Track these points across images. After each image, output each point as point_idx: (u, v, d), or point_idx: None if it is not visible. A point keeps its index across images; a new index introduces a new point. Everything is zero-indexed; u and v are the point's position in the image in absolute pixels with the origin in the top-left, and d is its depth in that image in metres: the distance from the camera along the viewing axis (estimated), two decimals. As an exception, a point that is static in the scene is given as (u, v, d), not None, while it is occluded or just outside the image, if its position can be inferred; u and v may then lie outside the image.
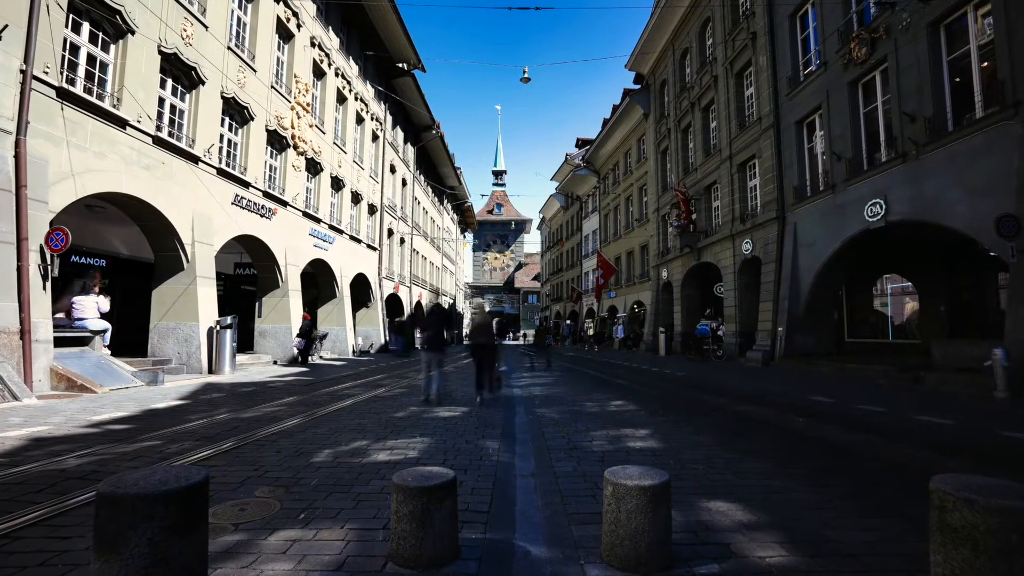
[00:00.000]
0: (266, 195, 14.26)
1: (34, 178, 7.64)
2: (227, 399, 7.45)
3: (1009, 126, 8.51)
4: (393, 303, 27.21)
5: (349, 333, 19.55)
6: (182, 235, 10.95)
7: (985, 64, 9.32)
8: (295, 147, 15.77)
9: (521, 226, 67.76)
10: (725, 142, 17.96)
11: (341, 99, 19.58)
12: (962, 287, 13.50)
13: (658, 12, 21.49)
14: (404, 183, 28.64)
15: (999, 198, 8.56)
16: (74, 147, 8.40)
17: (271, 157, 15.04)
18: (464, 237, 54.89)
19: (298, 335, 14.72)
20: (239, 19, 13.45)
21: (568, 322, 42.75)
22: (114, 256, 13.45)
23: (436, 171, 36.35)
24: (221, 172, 12.28)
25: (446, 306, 15.56)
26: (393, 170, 26.37)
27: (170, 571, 1.55)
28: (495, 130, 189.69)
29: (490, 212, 66.24)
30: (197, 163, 11.42)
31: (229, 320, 11.52)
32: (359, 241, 21.47)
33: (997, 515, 1.53)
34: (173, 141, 10.64)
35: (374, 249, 23.41)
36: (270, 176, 14.95)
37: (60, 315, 9.01)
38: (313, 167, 17.28)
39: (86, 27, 8.95)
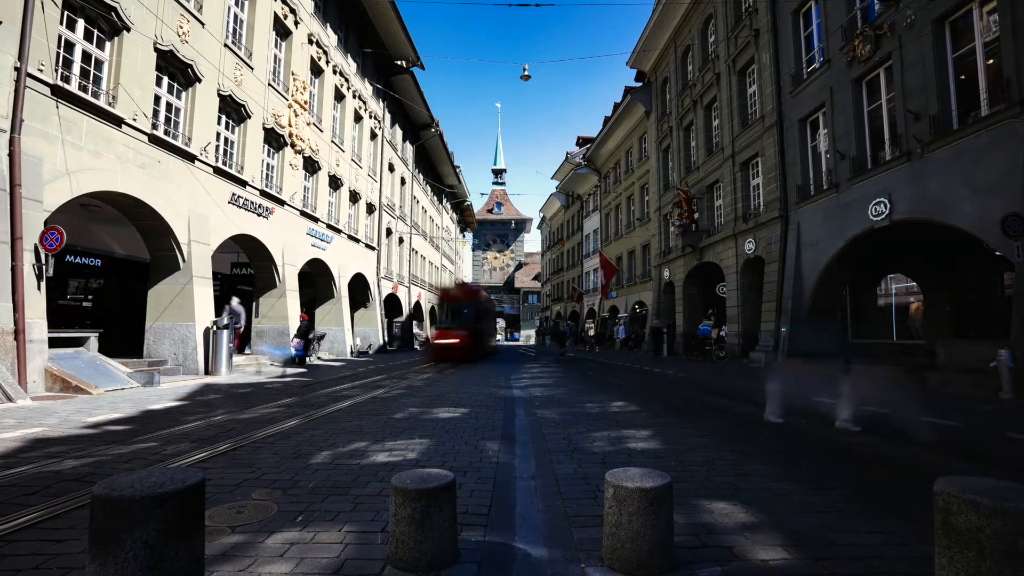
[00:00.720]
0: (263, 194, 14.26)
1: (28, 177, 7.64)
2: (224, 400, 7.45)
3: (1015, 124, 8.50)
4: (392, 303, 27.21)
5: (347, 333, 19.55)
6: (178, 234, 10.95)
7: (991, 61, 9.32)
8: (292, 145, 15.77)
9: (521, 225, 67.73)
10: (727, 140, 17.95)
11: (339, 97, 19.58)
12: (967, 287, 13.49)
13: (660, 9, 21.49)
14: (403, 182, 28.64)
15: (1005, 197, 8.56)
16: (69, 145, 8.40)
17: (268, 156, 15.04)
18: (463, 236, 54.88)
19: (296, 335, 14.72)
20: (236, 16, 13.45)
21: (569, 322, 42.77)
22: (109, 256, 13.46)
23: (435, 170, 36.35)
24: (218, 171, 12.28)
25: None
26: (392, 169, 26.37)
27: (166, 574, 1.55)
28: (495, 128, 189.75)
29: (490, 211, 66.22)
30: (193, 162, 11.42)
31: (226, 320, 11.52)
32: (357, 240, 21.48)
33: (1003, 518, 1.52)
34: (169, 139, 10.64)
35: (372, 248, 23.41)
36: (267, 175, 14.95)
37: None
38: (311, 166, 17.28)
39: (81, 24, 8.95)
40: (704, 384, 10.21)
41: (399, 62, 22.93)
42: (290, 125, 15.55)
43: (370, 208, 23.24)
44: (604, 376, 12.39)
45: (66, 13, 8.62)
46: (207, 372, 11.12)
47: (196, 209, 11.49)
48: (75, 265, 12.20)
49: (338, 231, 19.39)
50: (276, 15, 14.85)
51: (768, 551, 2.36)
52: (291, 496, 3.12)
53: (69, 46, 8.78)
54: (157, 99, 10.65)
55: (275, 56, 15.27)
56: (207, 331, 11.30)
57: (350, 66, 20.15)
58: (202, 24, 11.58)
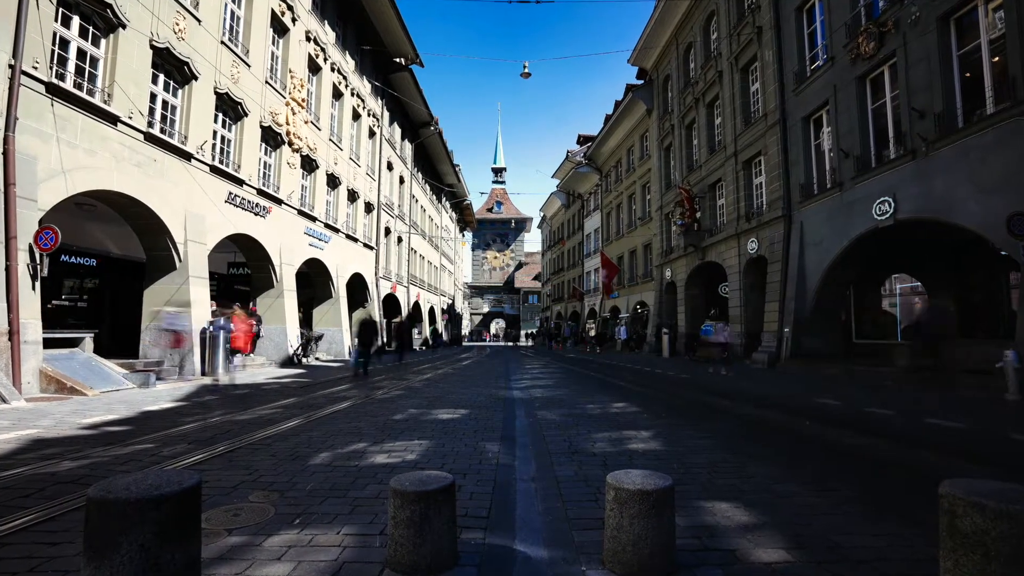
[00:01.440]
0: (260, 193, 14.26)
1: (23, 175, 7.64)
2: (221, 401, 7.45)
3: (1021, 122, 8.50)
4: (390, 303, 27.22)
5: (345, 334, 19.54)
6: (174, 234, 10.95)
7: (996, 59, 9.32)
8: (290, 144, 15.77)
9: (521, 225, 67.76)
10: (730, 139, 17.96)
11: (337, 95, 19.58)
12: (973, 287, 13.49)
13: (662, 6, 21.49)
14: (402, 181, 28.64)
15: (1010, 196, 8.56)
16: (64, 144, 8.40)
17: (265, 154, 15.04)
18: (463, 236, 54.89)
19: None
20: (232, 13, 13.45)
21: (570, 323, 42.77)
22: (105, 256, 13.46)
23: (434, 168, 36.36)
24: (214, 169, 12.28)
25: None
26: (390, 167, 26.38)
27: (162, 578, 1.55)
28: (495, 126, 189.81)
29: (489, 210, 66.24)
30: (190, 160, 11.42)
31: (223, 321, 11.51)
32: (355, 240, 21.47)
33: (1008, 520, 1.52)
34: (165, 138, 10.64)
35: (371, 248, 23.41)
36: (264, 173, 14.95)
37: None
38: (308, 164, 17.28)
39: (76, 21, 8.95)
40: (706, 385, 10.21)
41: (398, 60, 22.93)
42: (287, 123, 15.55)
43: (368, 207, 23.24)
44: (605, 377, 12.39)
45: (61, 10, 8.63)
46: (204, 373, 11.11)
47: (192, 208, 11.49)
48: (70, 265, 12.20)
49: (336, 230, 19.39)
50: (273, 12, 14.85)
51: (771, 554, 2.36)
52: (289, 498, 3.12)
53: (64, 43, 8.78)
54: (153, 97, 10.65)
55: (272, 53, 15.27)
56: (204, 332, 11.30)
57: (348, 64, 20.15)
58: (198, 21, 11.58)
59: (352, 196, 21.28)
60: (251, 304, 15.31)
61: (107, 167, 9.26)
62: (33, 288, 7.85)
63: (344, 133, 20.13)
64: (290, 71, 15.79)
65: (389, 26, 20.79)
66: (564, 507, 3.01)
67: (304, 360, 15.98)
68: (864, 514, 2.87)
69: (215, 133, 12.67)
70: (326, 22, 18.13)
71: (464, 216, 50.98)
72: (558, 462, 4.06)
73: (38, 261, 7.90)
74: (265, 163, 15.03)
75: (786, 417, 6.30)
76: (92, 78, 9.29)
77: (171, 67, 11.09)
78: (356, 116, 21.55)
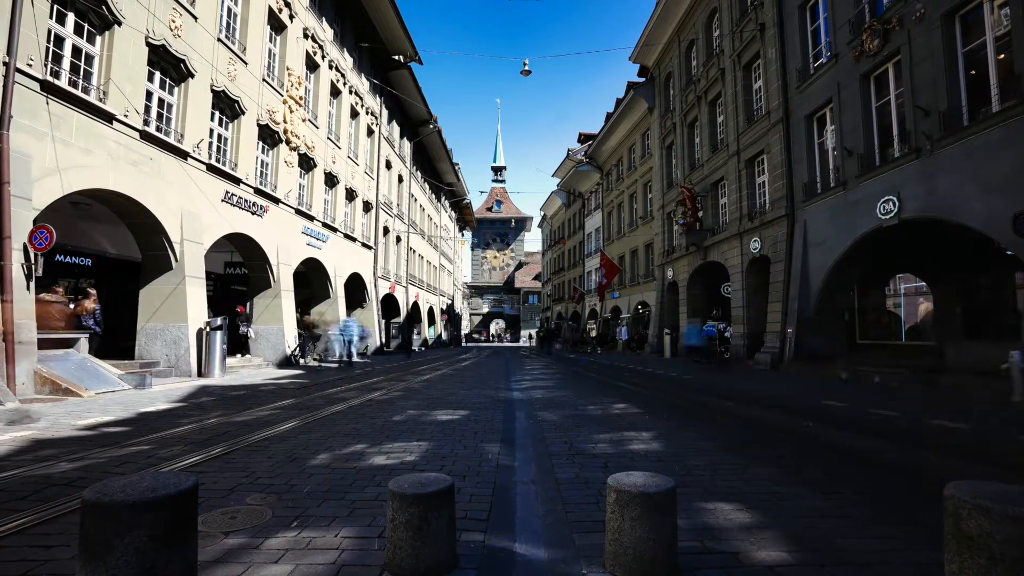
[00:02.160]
0: (257, 192, 14.26)
1: (17, 174, 7.64)
2: (217, 403, 7.45)
3: (1026, 120, 8.50)
4: (389, 303, 27.22)
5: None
6: (170, 233, 10.95)
7: (1002, 56, 9.32)
8: (287, 142, 15.77)
9: (521, 224, 67.77)
10: (732, 137, 17.96)
11: (335, 92, 19.58)
12: (978, 287, 13.48)
13: (663, 2, 21.50)
14: (400, 179, 28.65)
15: (1016, 195, 8.56)
16: (59, 142, 8.40)
17: (263, 152, 15.04)
18: (462, 235, 54.91)
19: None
20: (229, 9, 13.45)
21: (570, 323, 42.76)
22: (100, 255, 13.46)
23: (433, 167, 36.36)
24: (211, 168, 12.28)
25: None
26: (389, 166, 26.38)
27: (158, 581, 1.55)
28: (494, 124, 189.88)
29: (489, 209, 66.25)
30: (186, 159, 11.42)
31: (219, 321, 11.52)
32: (354, 239, 21.48)
33: (1014, 523, 1.52)
34: (161, 136, 10.64)
35: (369, 248, 23.41)
36: (262, 172, 14.96)
37: None
38: (306, 163, 17.28)
39: (71, 18, 8.95)
40: (708, 386, 10.21)
41: (396, 57, 22.93)
42: (285, 121, 15.55)
43: (367, 206, 23.24)
44: (606, 378, 12.39)
45: (56, 7, 8.63)
46: (200, 374, 11.12)
47: (189, 207, 11.50)
48: (65, 264, 12.20)
49: (334, 230, 19.40)
50: (271, 9, 14.85)
51: (774, 557, 2.36)
52: (286, 501, 3.12)
53: (59, 40, 8.78)
54: (149, 95, 10.65)
55: (270, 51, 15.28)
56: (200, 332, 11.30)
57: (346, 61, 20.16)
58: (195, 18, 11.59)
59: (350, 195, 21.28)
60: (239, 306, 15.33)
61: (102, 166, 9.26)
62: (28, 288, 7.85)
63: (342, 131, 20.14)
64: (288, 69, 15.79)
65: (388, 23, 20.80)
66: (565, 509, 3.01)
67: (303, 361, 15.98)
68: (868, 517, 2.87)
69: (212, 131, 12.67)
70: (324, 19, 18.13)
71: (463, 215, 51.00)
72: (559, 464, 4.06)
73: (33, 261, 7.90)
74: (262, 162, 15.04)
75: (789, 418, 6.30)
76: (87, 76, 9.29)
77: (167, 65, 11.09)
78: (354, 114, 21.55)
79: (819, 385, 10.15)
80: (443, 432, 5.35)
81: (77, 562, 1.57)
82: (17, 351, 7.42)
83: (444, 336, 40.98)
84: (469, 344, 48.65)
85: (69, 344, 9.37)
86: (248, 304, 15.34)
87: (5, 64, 7.53)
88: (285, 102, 15.60)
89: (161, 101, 11.10)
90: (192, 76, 11.54)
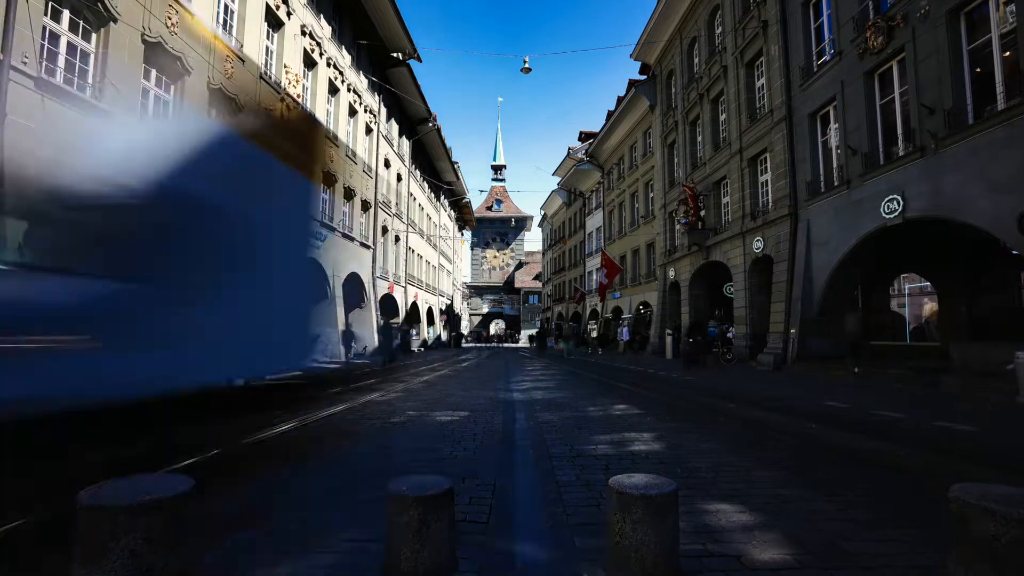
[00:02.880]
0: (255, 191, 14.24)
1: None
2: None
3: (1032, 118, 8.50)
4: (388, 303, 27.21)
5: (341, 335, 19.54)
6: (167, 233, 10.93)
7: (1007, 54, 9.31)
8: (285, 140, 15.75)
9: (521, 223, 67.76)
10: (735, 135, 17.96)
11: (333, 90, 19.58)
12: (983, 287, 13.50)
13: (665, -1, 21.51)
14: (399, 178, 28.65)
15: (1022, 194, 8.56)
16: (54, 140, 8.39)
17: (260, 151, 15.02)
18: (462, 235, 54.92)
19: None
20: (226, 6, 13.45)
21: (571, 323, 42.77)
22: (95, 255, 13.46)
23: (432, 166, 36.36)
24: (207, 167, 12.26)
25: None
26: (388, 165, 26.38)
27: (154, 584, 1.55)
28: (494, 123, 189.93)
29: (489, 208, 66.24)
30: (182, 157, 11.40)
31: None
32: (352, 239, 21.47)
33: (1020, 526, 1.52)
34: (157, 134, 10.63)
35: (368, 247, 23.41)
36: (259, 171, 14.93)
37: None
38: (304, 161, 17.25)
39: (66, 15, 8.95)
40: (710, 387, 10.21)
41: (395, 54, 22.94)
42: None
43: (365, 205, 23.24)
44: (607, 379, 12.39)
45: (50, 3, 8.62)
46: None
47: (185, 206, 11.48)
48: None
49: (332, 229, 19.39)
50: (268, 5, 14.85)
51: (777, 560, 2.36)
52: (284, 503, 3.12)
53: (54, 38, 8.78)
54: (145, 92, 10.64)
55: (267, 48, 15.27)
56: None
57: (344, 59, 20.16)
58: (191, 15, 11.58)
59: (348, 194, 21.28)
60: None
61: (98, 164, 9.25)
62: (22, 288, 7.84)
63: (340, 130, 20.14)
64: (285, 66, 15.79)
65: (386, 20, 20.80)
66: (565, 512, 3.01)
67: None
68: (871, 519, 2.87)
69: (208, 130, 12.66)
70: (322, 16, 18.13)
71: (463, 214, 51.01)
72: (559, 466, 4.06)
73: (27, 260, 7.88)
74: (259, 160, 15.02)
75: (792, 420, 6.30)
76: (83, 73, 9.29)
77: (163, 62, 11.08)
78: (352, 112, 21.56)
79: (823, 386, 10.15)
80: (442, 433, 5.35)
81: (72, 565, 1.57)
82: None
83: (443, 337, 40.97)
84: (468, 345, 48.64)
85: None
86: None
87: (-1, 61, 7.53)
88: (283, 100, 15.59)
89: (157, 99, 11.09)
90: (189, 74, 11.53)
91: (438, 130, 30.87)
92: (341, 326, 16.18)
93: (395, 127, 27.55)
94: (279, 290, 4.63)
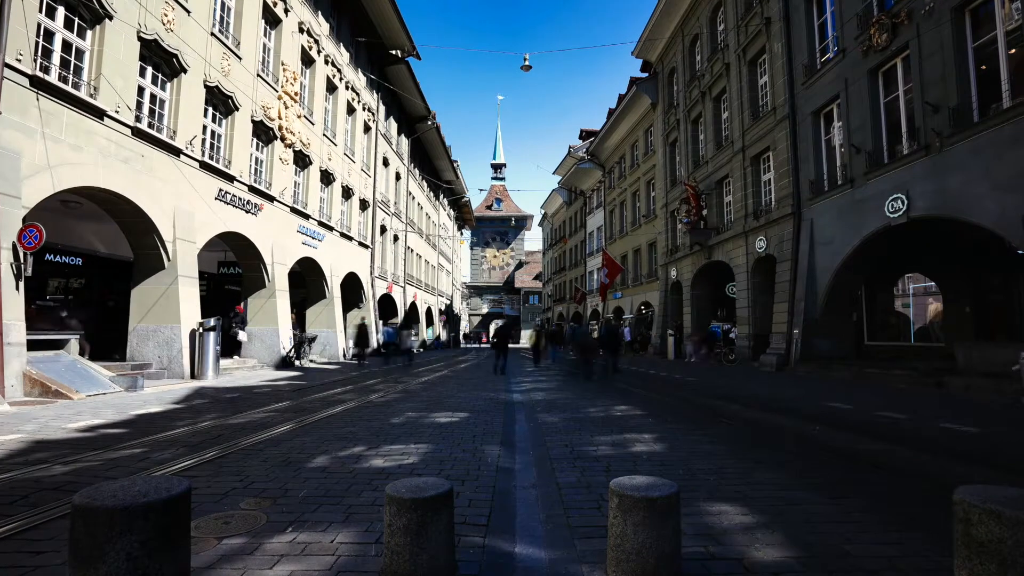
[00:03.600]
0: (252, 190, 14.26)
1: (6, 172, 7.64)
2: (211, 405, 7.45)
3: (1038, 116, 8.50)
4: (386, 303, 27.21)
5: (339, 336, 19.56)
6: (163, 232, 10.95)
7: (1012, 51, 9.32)
8: (282, 139, 15.77)
9: (522, 222, 67.75)
10: (737, 134, 17.96)
11: (331, 88, 19.58)
12: (988, 287, 13.49)
13: (666, -4, 21.50)
14: (398, 177, 28.65)
15: (1027, 193, 8.56)
16: (49, 139, 8.40)
17: (257, 149, 15.04)
18: (461, 234, 54.92)
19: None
20: (223, 3, 13.46)
21: (572, 324, 42.75)
22: (91, 254, 13.44)
23: (432, 164, 36.36)
24: (204, 165, 12.28)
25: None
26: (386, 163, 26.38)
27: (150, 588, 1.55)
28: (494, 121, 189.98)
29: (489, 208, 66.24)
30: (179, 156, 11.42)
31: (212, 322, 11.53)
32: (350, 238, 21.48)
33: (1025, 528, 1.52)
34: (153, 132, 10.64)
35: (366, 247, 23.41)
36: (256, 169, 14.95)
37: None
38: (301, 160, 17.28)
39: (61, 12, 8.95)
40: (713, 388, 10.21)
41: (394, 52, 22.92)
42: (280, 118, 15.55)
43: (363, 204, 23.24)
44: (607, 380, 12.38)
45: (46, 0, 8.63)
46: (193, 376, 11.12)
47: (181, 205, 11.50)
48: (55, 264, 12.19)
49: (330, 228, 19.40)
50: (265, 2, 14.85)
51: (779, 563, 2.36)
52: (281, 506, 3.12)
53: (49, 35, 8.78)
54: (141, 90, 10.65)
55: (264, 45, 15.28)
56: (193, 333, 11.30)
57: (343, 56, 20.16)
58: (188, 12, 11.58)
59: (347, 193, 21.29)
60: (237, 306, 15.38)
61: (93, 163, 9.26)
62: (17, 288, 7.85)
63: (338, 128, 20.14)
64: (282, 64, 15.79)
65: (385, 17, 20.79)
66: (566, 514, 3.01)
67: (299, 362, 15.99)
68: (875, 522, 2.87)
69: (205, 128, 12.67)
70: (320, 13, 18.13)
71: (463, 214, 51.00)
72: (560, 468, 4.06)
73: (22, 260, 7.90)
74: (257, 159, 15.03)
75: (795, 421, 6.30)
76: (78, 71, 9.29)
77: (159, 59, 11.09)
78: (351, 110, 21.56)
79: (826, 387, 10.15)
80: (442, 435, 5.35)
81: (67, 568, 1.57)
82: (6, 352, 7.42)
83: (443, 337, 40.98)
84: (468, 346, 48.63)
85: (59, 345, 9.38)
86: (243, 304, 15.34)
87: (-6, 59, 7.53)
88: (280, 98, 15.60)
89: (153, 97, 11.10)
90: (185, 71, 11.54)
91: (437, 128, 30.86)
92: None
93: (394, 125, 27.56)
94: None
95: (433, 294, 38.82)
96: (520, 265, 66.66)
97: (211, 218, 12.60)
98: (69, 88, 8.74)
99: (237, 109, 13.55)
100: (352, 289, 22.27)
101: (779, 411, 7.13)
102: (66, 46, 9.11)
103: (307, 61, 17.64)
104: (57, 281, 13.29)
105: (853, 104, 12.81)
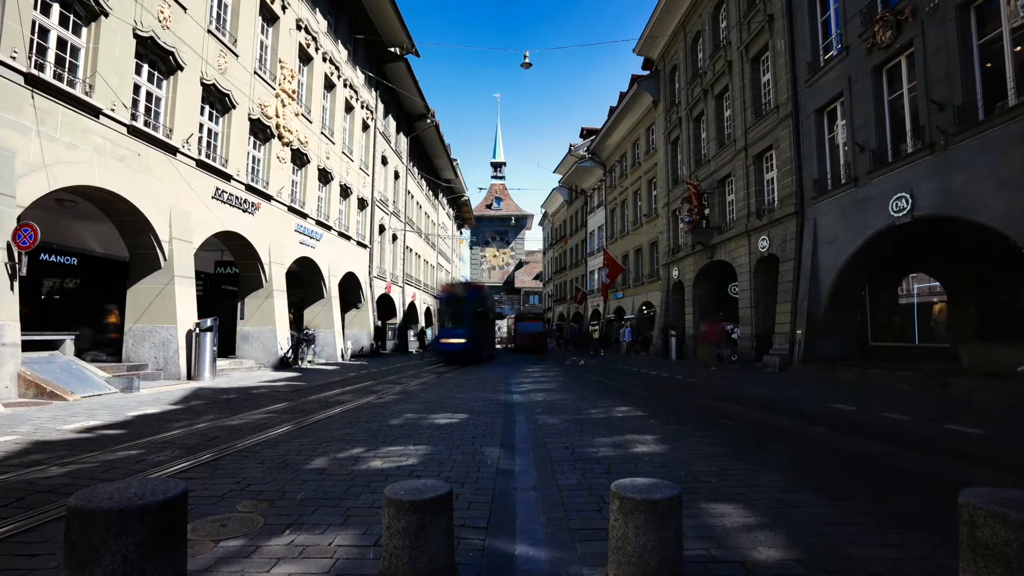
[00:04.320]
0: (249, 189, 14.26)
1: (0, 171, 7.64)
2: (208, 407, 7.45)
3: (1044, 115, 8.49)
4: (385, 304, 27.22)
5: (338, 336, 19.56)
6: (159, 231, 10.95)
7: (1018, 48, 9.31)
8: (280, 137, 15.78)
9: (522, 222, 67.76)
10: (740, 132, 17.96)
11: (329, 86, 19.58)
12: (994, 287, 13.49)
13: (668, -7, 21.50)
14: (397, 176, 28.65)
15: (1033, 192, 8.55)
16: (44, 137, 8.40)
17: (254, 148, 15.04)
18: (461, 234, 54.92)
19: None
20: (220, 0, 13.45)
21: (572, 324, 42.76)
22: (87, 254, 13.45)
23: (431, 163, 36.36)
24: (201, 164, 12.28)
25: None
26: (385, 162, 26.38)
27: (146, 591, 1.55)
28: (494, 119, 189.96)
29: (488, 207, 66.25)
30: (175, 154, 11.42)
31: (209, 322, 11.52)
32: (348, 238, 21.48)
33: (1031, 531, 1.52)
34: (149, 131, 10.64)
35: (364, 246, 23.41)
36: (253, 168, 14.96)
37: None
38: (299, 159, 17.28)
39: (56, 8, 8.95)
40: (715, 390, 10.21)
41: (392, 49, 22.93)
42: (277, 116, 15.55)
43: (362, 203, 23.25)
44: (608, 381, 12.39)
45: (40, -3, 8.64)
46: (190, 377, 11.12)
47: (178, 204, 11.50)
48: (50, 264, 12.19)
49: (328, 228, 19.40)
50: (262, -1, 14.86)
51: (784, 566, 2.36)
52: (278, 508, 3.12)
53: (43, 32, 8.78)
54: (136, 88, 10.65)
55: (261, 43, 15.28)
56: (189, 334, 11.30)
57: (341, 53, 20.16)
58: (184, 9, 11.58)
59: (345, 192, 21.29)
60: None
61: (89, 161, 9.26)
62: (11, 288, 7.85)
63: (336, 126, 20.14)
64: (280, 61, 15.79)
65: (383, 13, 20.80)
66: (567, 517, 3.01)
67: (298, 363, 15.99)
68: (879, 524, 2.87)
69: (201, 126, 12.67)
70: (318, 10, 18.13)
71: (462, 213, 51.01)
72: (560, 469, 4.06)
73: (16, 260, 7.90)
74: (254, 157, 15.04)
75: (798, 423, 6.30)
76: (73, 68, 9.29)
77: (155, 57, 11.09)
78: (349, 108, 21.56)
79: (830, 388, 10.15)
80: (441, 436, 5.35)
81: (63, 571, 1.57)
82: (1, 353, 7.42)
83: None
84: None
85: (54, 346, 9.38)
86: (240, 304, 15.34)
87: (-12, 56, 7.53)
88: (277, 96, 15.60)
89: (149, 95, 11.10)
90: (181, 69, 11.54)
91: (436, 127, 30.87)
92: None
93: (392, 123, 27.56)
94: None
95: (432, 294, 38.82)
96: (520, 265, 66.67)
97: (208, 217, 12.60)
98: (64, 86, 8.74)
99: (234, 107, 13.55)
100: (350, 289, 22.27)
101: (782, 412, 7.13)
102: (61, 43, 9.11)
103: (305, 59, 17.65)
104: (52, 281, 13.31)
105: (857, 102, 12.81)
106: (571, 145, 40.47)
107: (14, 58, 7.89)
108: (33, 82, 8.20)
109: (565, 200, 47.01)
